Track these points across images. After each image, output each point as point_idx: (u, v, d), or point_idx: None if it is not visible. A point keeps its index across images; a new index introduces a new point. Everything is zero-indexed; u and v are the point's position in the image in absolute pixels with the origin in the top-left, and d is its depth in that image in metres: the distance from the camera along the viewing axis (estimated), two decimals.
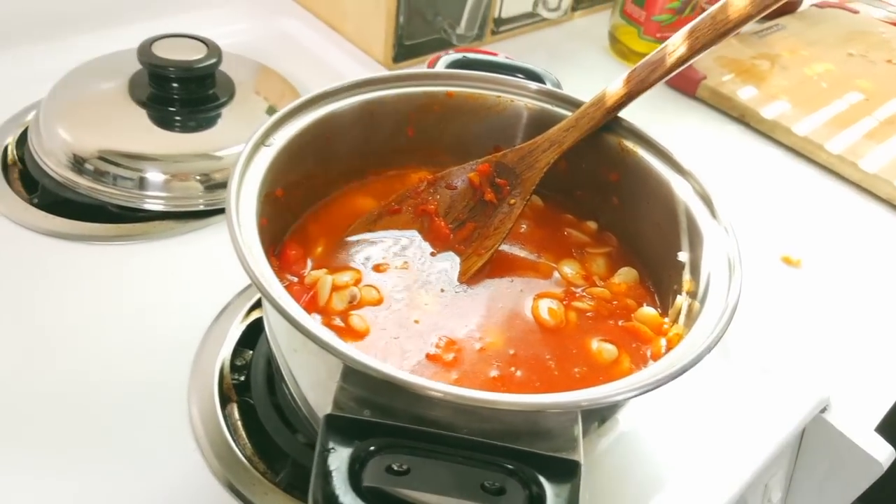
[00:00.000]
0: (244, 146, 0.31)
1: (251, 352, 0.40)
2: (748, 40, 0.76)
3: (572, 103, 0.38)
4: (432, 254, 0.36)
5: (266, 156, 0.32)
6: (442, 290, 0.34)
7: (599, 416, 0.30)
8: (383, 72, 0.61)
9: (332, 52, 0.65)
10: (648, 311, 0.35)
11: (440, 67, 0.42)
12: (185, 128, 0.51)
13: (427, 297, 0.34)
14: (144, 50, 0.49)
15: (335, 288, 0.33)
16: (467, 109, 0.39)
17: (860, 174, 0.61)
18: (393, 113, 0.38)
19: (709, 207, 0.33)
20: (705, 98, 0.69)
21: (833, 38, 0.80)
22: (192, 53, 0.50)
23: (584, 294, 0.35)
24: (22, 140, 0.51)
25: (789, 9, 0.85)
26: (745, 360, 0.44)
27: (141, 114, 0.50)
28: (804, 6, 0.87)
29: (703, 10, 0.70)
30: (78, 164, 0.47)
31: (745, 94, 0.68)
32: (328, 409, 0.24)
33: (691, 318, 0.31)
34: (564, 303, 0.35)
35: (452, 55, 0.43)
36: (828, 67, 0.74)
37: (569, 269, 0.37)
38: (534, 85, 0.39)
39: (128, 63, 0.51)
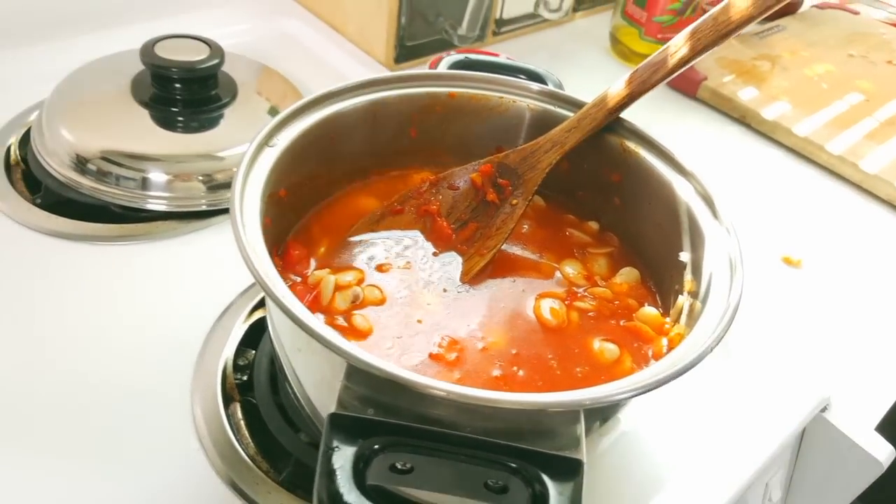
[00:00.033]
0: (248, 146, 0.32)
1: (254, 351, 0.40)
2: (749, 41, 0.76)
3: (574, 104, 0.39)
4: (435, 254, 0.36)
5: (270, 156, 0.32)
6: (444, 290, 0.34)
7: (601, 415, 0.30)
8: (385, 73, 0.61)
9: (334, 52, 0.65)
10: (650, 310, 0.35)
11: (442, 68, 0.42)
12: (188, 128, 0.51)
13: (430, 296, 0.34)
14: (147, 50, 0.50)
15: (338, 288, 0.33)
16: (469, 110, 0.39)
17: (861, 175, 0.61)
18: (396, 114, 0.38)
19: (710, 208, 0.34)
20: (706, 99, 0.69)
21: (833, 40, 0.80)
22: (195, 54, 0.50)
23: (586, 294, 0.35)
24: (25, 140, 0.51)
25: (790, 10, 0.85)
26: (745, 360, 0.44)
27: (143, 114, 0.50)
28: (805, 7, 0.87)
29: (705, 11, 0.70)
30: (81, 164, 0.47)
31: (746, 94, 0.68)
32: (332, 408, 0.24)
33: (693, 317, 0.31)
34: (566, 303, 0.35)
35: (454, 56, 0.43)
36: (828, 68, 0.74)
37: (570, 269, 0.37)
38: (536, 86, 0.39)
39: (130, 64, 0.52)
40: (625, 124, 0.37)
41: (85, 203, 0.47)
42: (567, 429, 0.25)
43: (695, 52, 0.34)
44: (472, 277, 0.35)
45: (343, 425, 0.24)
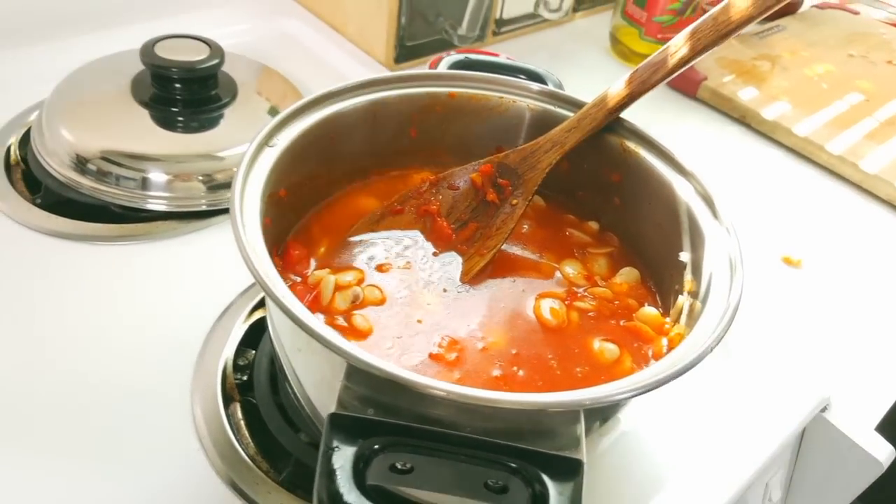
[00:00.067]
0: (248, 146, 0.32)
1: (254, 351, 0.40)
2: (749, 41, 0.76)
3: (574, 104, 0.39)
4: (435, 254, 0.36)
5: (270, 156, 0.32)
6: (444, 290, 0.34)
7: (601, 415, 0.30)
8: (385, 73, 0.61)
9: (334, 52, 0.65)
10: (650, 310, 0.35)
11: (442, 68, 0.42)
12: (188, 128, 0.51)
13: (429, 296, 0.34)
14: (147, 50, 0.50)
15: (338, 288, 0.33)
16: (469, 110, 0.39)
17: (861, 175, 0.61)
18: (396, 114, 0.38)
19: (710, 208, 0.34)
20: (706, 99, 0.69)
21: (833, 40, 0.80)
22: (195, 54, 0.50)
23: (586, 294, 0.35)
24: (25, 140, 0.51)
25: (790, 10, 0.85)
26: (745, 360, 0.44)
27: (143, 114, 0.50)
28: (805, 7, 0.87)
29: (705, 11, 0.70)
30: (81, 164, 0.47)
31: (746, 94, 0.68)
32: (332, 408, 0.24)
33: (693, 317, 0.31)
34: (566, 303, 0.35)
35: (454, 56, 0.43)
36: (828, 68, 0.74)
37: (570, 269, 0.37)
38: (536, 86, 0.39)
39: (130, 64, 0.52)
40: (625, 124, 0.37)
41: (85, 203, 0.47)
42: (567, 429, 0.25)
43: (695, 52, 0.34)
44: (472, 277, 0.35)
45: (343, 425, 0.24)
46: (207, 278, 0.44)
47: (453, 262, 0.36)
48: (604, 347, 0.33)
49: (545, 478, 0.23)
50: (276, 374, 0.38)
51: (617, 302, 0.35)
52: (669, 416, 0.41)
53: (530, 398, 0.25)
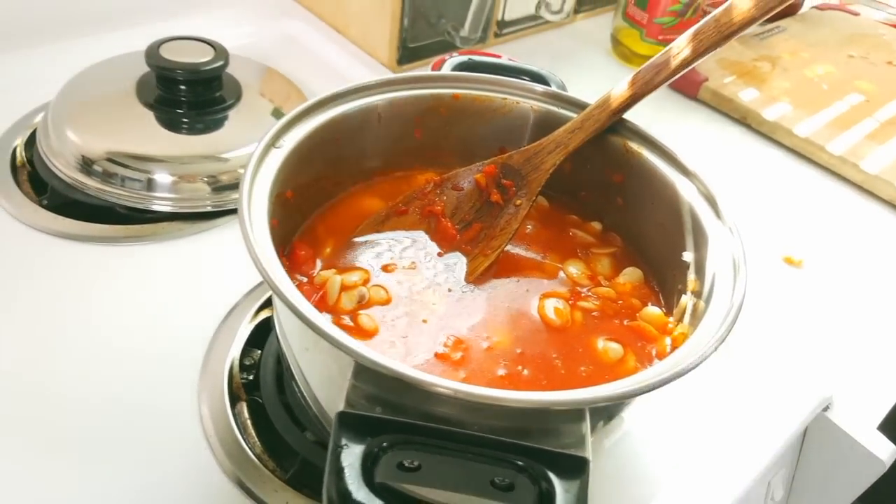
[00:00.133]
0: (255, 148, 0.32)
1: (260, 351, 0.40)
2: (749, 42, 0.77)
3: (577, 105, 0.39)
4: (439, 254, 0.37)
5: (276, 157, 0.33)
6: (449, 290, 0.35)
7: (606, 413, 0.30)
8: (388, 74, 0.62)
9: (337, 54, 0.65)
10: (653, 310, 0.35)
11: (446, 70, 0.42)
12: (193, 130, 0.51)
13: (434, 296, 0.34)
14: (152, 52, 0.50)
15: (344, 288, 0.33)
16: (473, 111, 0.40)
17: (861, 175, 0.61)
18: (400, 115, 0.39)
19: (713, 208, 0.34)
20: (707, 100, 0.69)
21: (834, 40, 0.80)
22: (200, 56, 0.51)
23: (590, 294, 0.36)
24: (31, 142, 0.51)
25: (790, 11, 0.85)
26: (747, 360, 0.44)
27: (148, 116, 0.51)
28: (805, 8, 0.88)
29: (705, 12, 0.71)
30: (86, 165, 0.47)
31: (747, 95, 0.68)
32: (339, 407, 0.24)
33: (696, 317, 0.31)
34: (570, 302, 0.35)
35: (458, 58, 0.43)
36: (828, 69, 0.74)
37: (574, 269, 0.37)
38: (539, 87, 0.39)
39: (135, 65, 0.52)
40: (628, 125, 0.38)
41: (91, 204, 0.47)
42: (572, 427, 0.25)
43: (697, 54, 0.34)
44: (476, 277, 0.35)
45: (351, 423, 0.24)
46: (213, 279, 0.44)
47: (458, 263, 0.36)
48: (608, 347, 0.33)
49: (551, 476, 0.24)
50: (283, 373, 0.39)
51: (620, 302, 0.36)
52: (672, 415, 0.41)
53: (537, 396, 0.25)
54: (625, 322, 0.34)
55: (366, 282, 0.34)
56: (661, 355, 0.33)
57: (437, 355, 0.31)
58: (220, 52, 0.51)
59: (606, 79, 0.66)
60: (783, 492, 0.47)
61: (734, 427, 0.41)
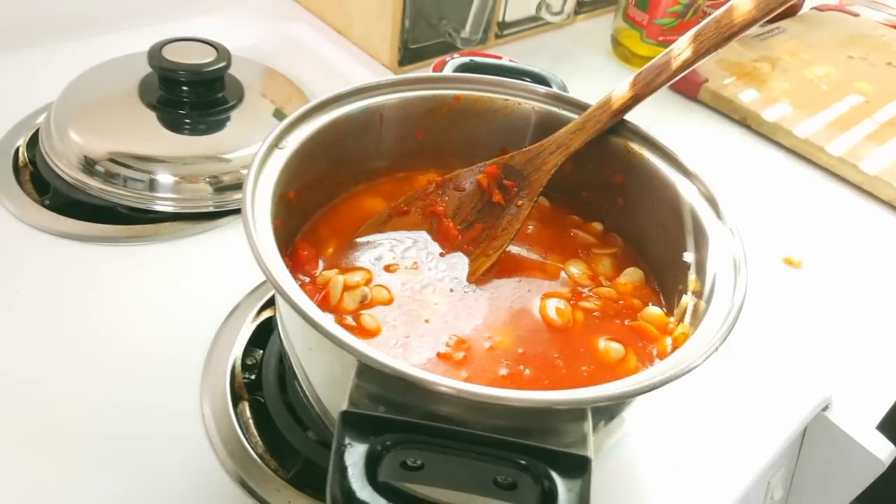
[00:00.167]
0: (258, 148, 0.32)
1: (262, 351, 0.40)
2: (749, 43, 0.77)
3: (579, 106, 0.39)
4: (441, 254, 0.37)
5: (279, 158, 0.33)
6: (451, 290, 0.35)
7: (608, 413, 0.30)
8: (389, 75, 0.62)
9: (339, 55, 0.65)
10: (654, 310, 0.35)
11: (448, 71, 0.42)
12: (195, 130, 0.51)
13: (436, 296, 0.34)
14: (155, 53, 0.50)
15: (346, 288, 0.33)
16: (475, 112, 0.40)
17: (861, 176, 0.61)
18: (402, 116, 0.39)
19: (714, 209, 0.34)
20: (707, 101, 0.69)
21: (833, 41, 0.80)
22: (202, 57, 0.51)
23: (591, 294, 0.36)
24: (33, 142, 0.51)
25: (790, 12, 0.86)
26: (747, 360, 0.45)
27: (151, 116, 0.51)
28: (805, 9, 0.88)
29: (706, 13, 0.71)
30: (89, 165, 0.48)
31: (747, 96, 0.68)
32: (342, 406, 0.25)
33: (697, 317, 0.31)
34: (571, 302, 0.35)
35: (459, 59, 0.44)
36: (828, 70, 0.75)
37: (575, 269, 0.37)
38: (541, 88, 0.40)
39: (138, 66, 0.52)
40: (629, 126, 0.38)
41: (93, 204, 0.47)
42: (574, 426, 0.26)
43: (698, 55, 0.35)
44: (478, 277, 0.36)
45: (355, 423, 0.24)
46: (215, 279, 0.44)
47: (460, 263, 0.36)
48: (609, 347, 0.33)
49: (554, 474, 0.24)
50: (285, 373, 0.39)
51: (621, 302, 0.36)
52: (672, 415, 0.41)
53: (539, 396, 0.25)
54: (626, 322, 0.35)
55: (368, 282, 0.34)
56: (662, 355, 0.33)
57: (439, 355, 0.31)
58: (223, 53, 0.52)
59: (606, 80, 0.66)
60: (782, 491, 0.47)
61: (734, 427, 0.41)
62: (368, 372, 0.25)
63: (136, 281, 0.43)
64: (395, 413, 0.25)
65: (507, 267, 0.37)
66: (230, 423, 0.37)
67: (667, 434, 0.40)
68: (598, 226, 0.40)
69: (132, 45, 0.55)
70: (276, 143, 0.33)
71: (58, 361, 0.38)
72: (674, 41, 0.36)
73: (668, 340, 0.33)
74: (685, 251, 0.35)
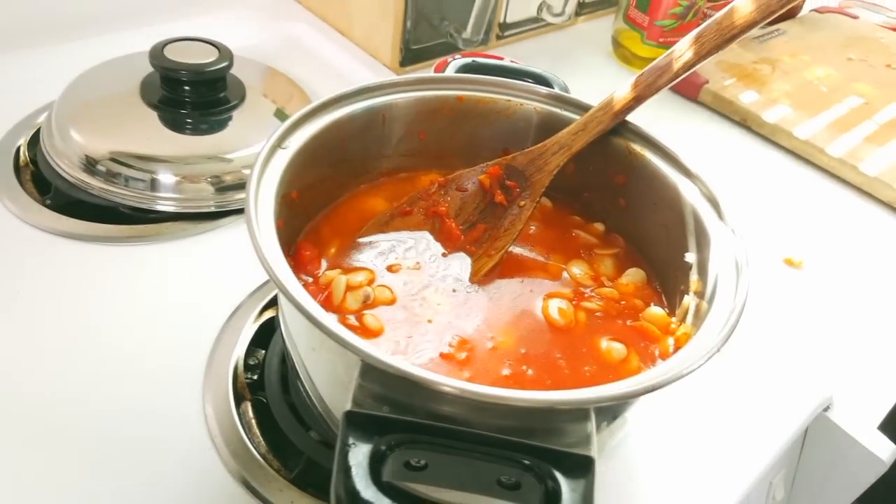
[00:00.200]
0: (261, 149, 0.32)
1: (264, 351, 0.40)
2: (749, 45, 0.77)
3: (581, 107, 0.39)
4: (444, 254, 0.37)
5: (282, 158, 0.33)
6: (454, 290, 0.35)
7: (611, 413, 0.30)
8: (391, 76, 0.62)
9: (341, 56, 0.65)
10: (656, 310, 0.35)
11: (450, 72, 0.42)
12: (196, 130, 0.51)
13: (439, 296, 0.34)
14: (156, 53, 0.50)
15: (349, 288, 0.33)
16: (477, 113, 0.40)
17: (861, 177, 0.61)
18: (405, 116, 0.39)
19: (716, 210, 0.34)
20: (707, 102, 0.70)
21: (833, 43, 0.80)
22: (204, 57, 0.51)
23: (593, 294, 0.36)
24: (34, 141, 0.51)
25: (790, 14, 0.86)
26: (748, 360, 0.45)
27: (152, 116, 0.51)
28: (804, 11, 0.88)
29: (706, 15, 0.71)
30: (90, 165, 0.48)
31: (747, 98, 0.68)
32: (345, 406, 0.25)
33: (699, 317, 0.31)
34: (574, 303, 0.35)
35: (461, 60, 0.44)
36: (828, 72, 0.75)
37: (577, 269, 0.37)
38: (543, 89, 0.40)
39: (139, 66, 0.52)
40: (630, 127, 0.38)
41: (94, 204, 0.47)
42: (577, 427, 0.26)
43: (699, 57, 0.35)
44: (480, 278, 0.36)
45: (359, 423, 0.24)
46: (217, 279, 0.44)
47: (462, 263, 0.36)
48: (611, 347, 0.33)
49: (557, 474, 0.24)
50: (287, 373, 0.39)
51: (623, 302, 0.36)
52: (673, 415, 0.41)
53: (542, 396, 0.25)
54: (628, 322, 0.35)
55: (371, 282, 0.34)
56: (665, 355, 0.33)
57: (442, 355, 0.31)
58: (224, 53, 0.52)
59: (607, 81, 0.66)
60: (784, 491, 0.47)
61: (735, 427, 0.41)
62: (372, 372, 0.25)
63: (137, 281, 0.43)
64: (399, 413, 0.25)
65: (510, 267, 0.37)
66: (233, 423, 0.37)
67: (668, 434, 0.40)
68: (599, 226, 0.40)
69: (133, 44, 0.55)
70: (278, 144, 0.33)
71: (59, 361, 0.38)
72: (674, 43, 0.36)
73: (671, 341, 0.33)
74: (687, 252, 0.35)
